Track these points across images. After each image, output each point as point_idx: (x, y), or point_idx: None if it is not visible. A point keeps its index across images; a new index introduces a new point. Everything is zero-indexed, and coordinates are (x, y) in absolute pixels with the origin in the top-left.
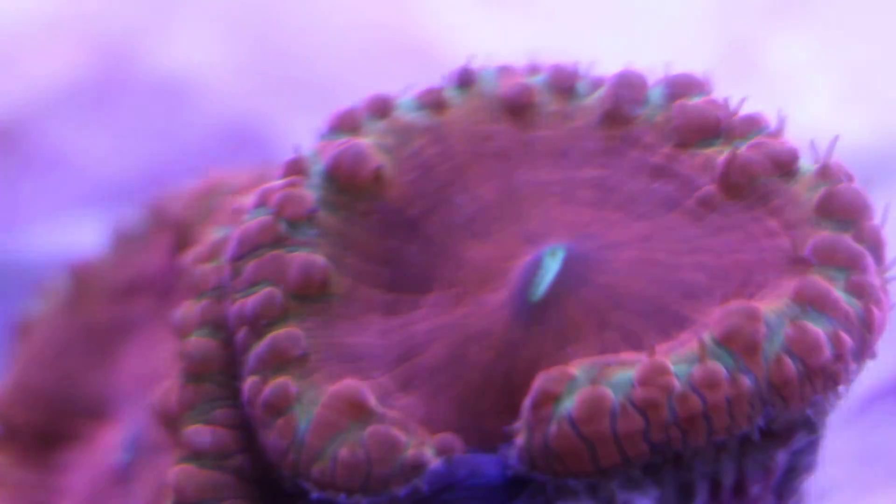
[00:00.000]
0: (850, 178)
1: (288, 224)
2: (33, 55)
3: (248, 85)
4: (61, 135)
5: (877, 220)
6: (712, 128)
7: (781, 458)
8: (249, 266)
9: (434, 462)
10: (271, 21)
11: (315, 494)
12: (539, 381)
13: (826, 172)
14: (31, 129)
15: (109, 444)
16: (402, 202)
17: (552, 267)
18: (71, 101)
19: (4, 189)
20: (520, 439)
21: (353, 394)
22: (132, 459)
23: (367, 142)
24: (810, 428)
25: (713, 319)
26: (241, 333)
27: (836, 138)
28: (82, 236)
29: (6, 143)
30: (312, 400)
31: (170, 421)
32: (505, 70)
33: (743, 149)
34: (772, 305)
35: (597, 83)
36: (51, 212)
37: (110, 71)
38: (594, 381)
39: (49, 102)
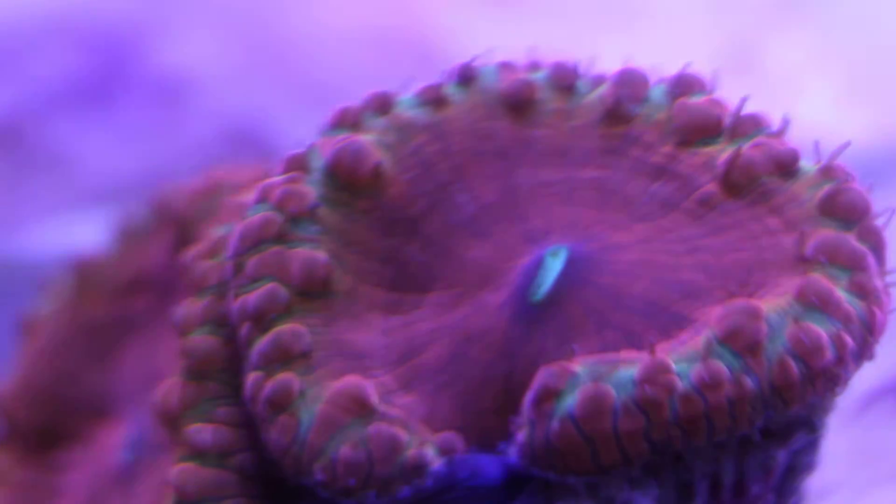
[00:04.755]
0: (851, 178)
1: (290, 220)
2: (33, 55)
3: (249, 82)
4: (61, 134)
5: (878, 221)
6: (713, 127)
7: (781, 457)
8: (251, 262)
9: (435, 462)
10: (272, 19)
11: (319, 492)
12: (540, 377)
13: (828, 172)
14: (31, 129)
15: (112, 443)
16: (403, 200)
17: (554, 267)
18: (71, 100)
19: (4, 189)
20: (521, 435)
21: (357, 391)
22: (134, 459)
23: (368, 138)
24: (810, 427)
25: (714, 318)
26: (244, 329)
27: (845, 145)
28: (83, 235)
29: (6, 142)
30: (315, 397)
31: (171, 419)
32: (506, 67)
33: (745, 148)
34: (773, 304)
35: (598, 81)
36: (51, 211)
37: (111, 70)
38: (596, 379)
39: (49, 102)
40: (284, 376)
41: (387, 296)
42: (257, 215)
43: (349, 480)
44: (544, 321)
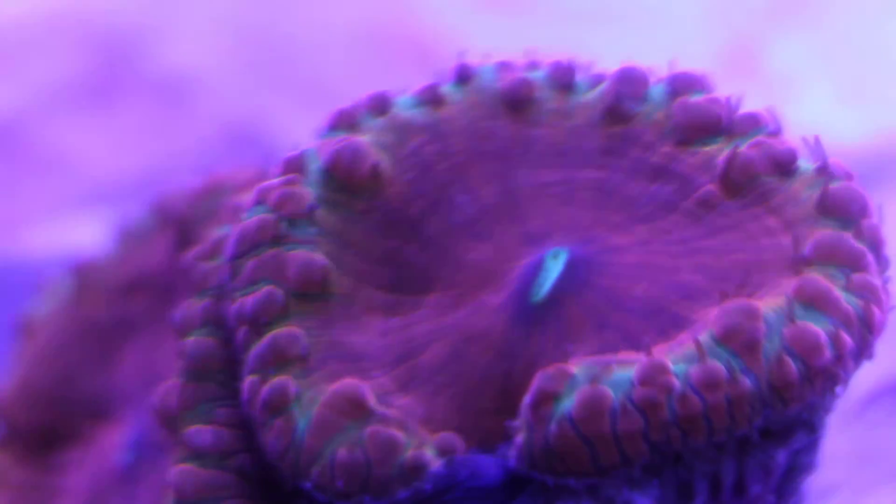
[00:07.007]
0: (849, 177)
1: (287, 222)
2: (34, 55)
3: (248, 84)
4: (61, 135)
5: (876, 220)
6: (713, 125)
7: (781, 457)
8: (249, 264)
9: (434, 463)
10: (272, 20)
11: (317, 496)
12: (538, 380)
13: (826, 171)
14: (31, 129)
15: (112, 444)
16: (402, 201)
17: (554, 269)
18: (71, 100)
19: (4, 189)
20: (519, 438)
21: (353, 393)
22: (134, 460)
23: (365, 139)
24: (810, 428)
25: (712, 318)
26: (241, 332)
27: (843, 145)
28: (83, 236)
29: (6, 142)
30: (312, 399)
31: (170, 421)
32: (504, 66)
33: (744, 148)
34: (771, 304)
35: (597, 80)
36: (51, 212)
37: (111, 70)
38: (594, 381)
39: (49, 102)
40: (280, 380)
41: (385, 297)
42: (254, 218)
43: (346, 484)
44: (544, 322)
